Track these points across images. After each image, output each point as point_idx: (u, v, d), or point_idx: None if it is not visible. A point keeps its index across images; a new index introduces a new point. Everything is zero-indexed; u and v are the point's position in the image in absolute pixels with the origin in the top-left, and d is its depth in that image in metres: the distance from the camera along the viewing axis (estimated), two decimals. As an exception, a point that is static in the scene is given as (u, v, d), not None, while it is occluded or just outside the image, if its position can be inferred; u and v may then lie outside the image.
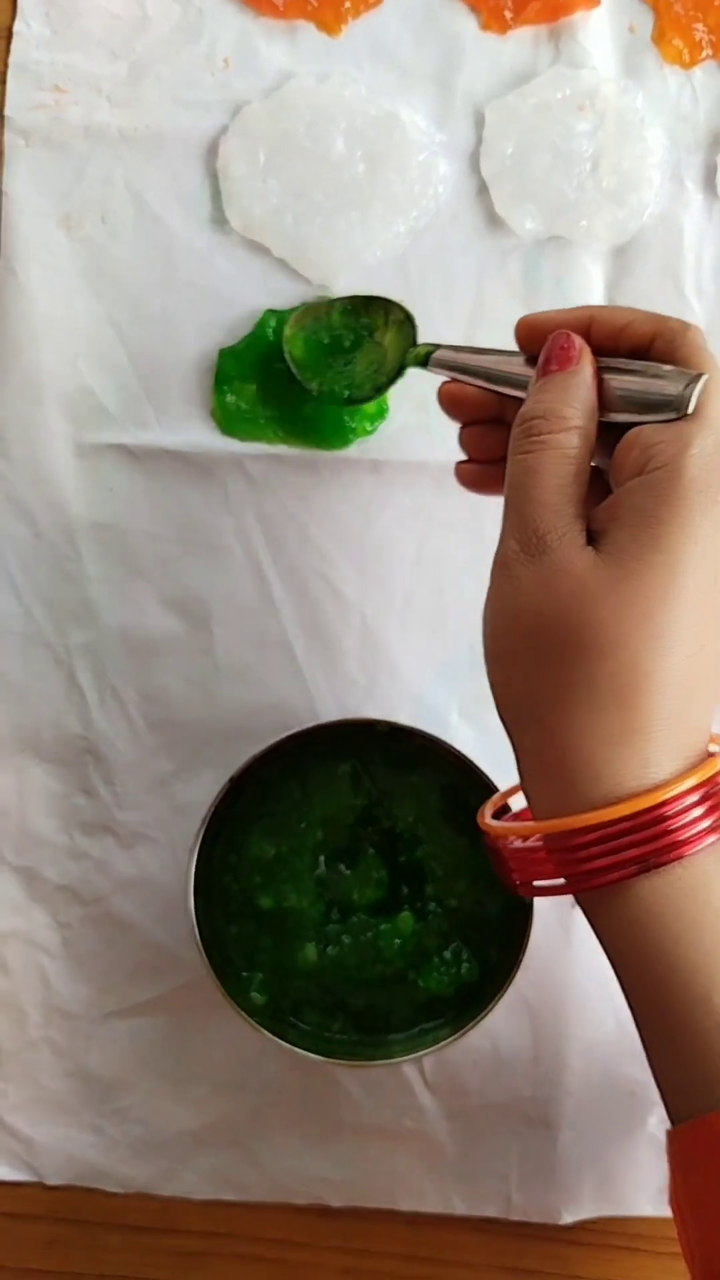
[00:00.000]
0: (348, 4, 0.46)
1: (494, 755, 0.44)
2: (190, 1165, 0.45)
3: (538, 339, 0.35)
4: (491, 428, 0.38)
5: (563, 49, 0.45)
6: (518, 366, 0.36)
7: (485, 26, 0.46)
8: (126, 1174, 0.45)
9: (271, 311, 0.45)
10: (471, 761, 0.40)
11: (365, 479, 0.45)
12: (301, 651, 0.45)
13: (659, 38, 0.46)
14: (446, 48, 0.45)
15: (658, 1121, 0.44)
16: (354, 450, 0.45)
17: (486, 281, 0.45)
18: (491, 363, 0.37)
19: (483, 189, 0.45)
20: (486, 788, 0.40)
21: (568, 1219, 0.44)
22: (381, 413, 0.45)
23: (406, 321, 0.42)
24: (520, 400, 0.35)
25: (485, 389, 0.37)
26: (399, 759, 0.41)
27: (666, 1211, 0.45)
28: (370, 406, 0.45)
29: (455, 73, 0.45)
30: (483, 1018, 0.39)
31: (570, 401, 0.33)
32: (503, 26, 0.46)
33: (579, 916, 0.45)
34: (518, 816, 0.37)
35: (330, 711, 0.45)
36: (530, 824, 0.33)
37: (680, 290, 0.45)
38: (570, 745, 0.31)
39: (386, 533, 0.45)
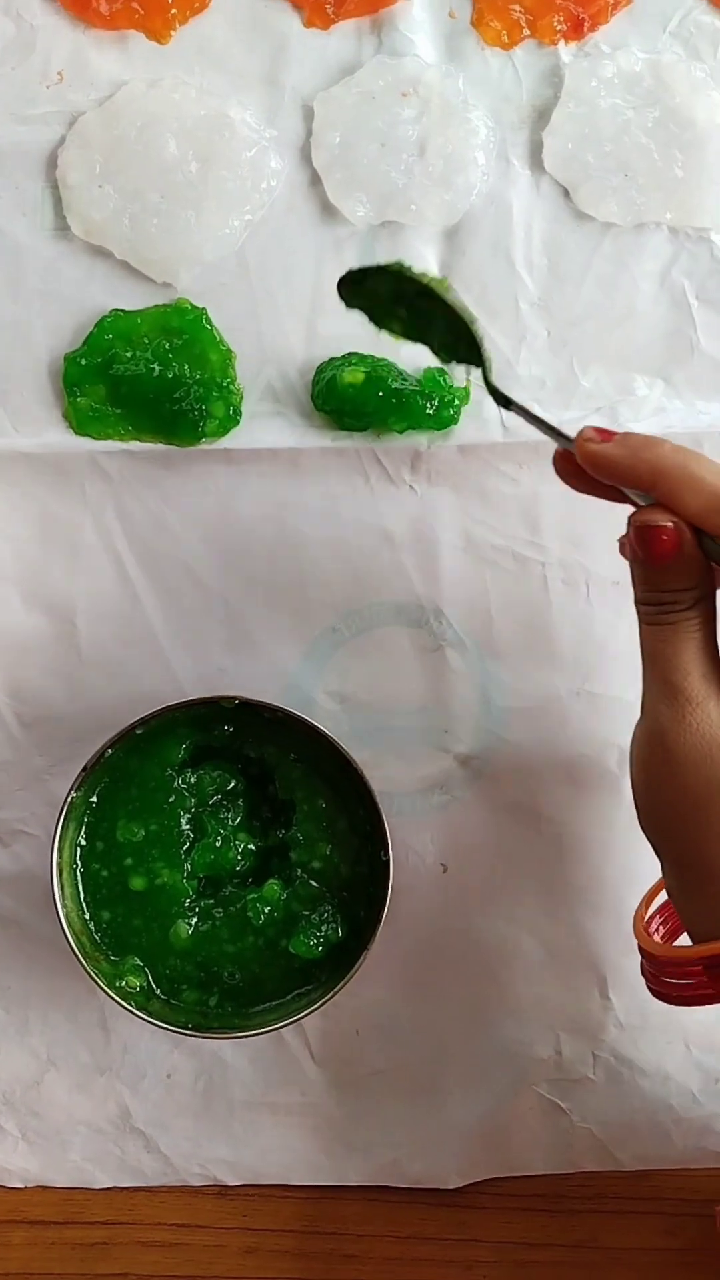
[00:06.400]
0: (174, 10, 0.50)
1: (357, 727, 0.48)
2: (89, 1155, 0.48)
3: (602, 472, 0.39)
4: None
5: (385, 39, 0.49)
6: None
7: (309, 23, 0.50)
8: (25, 1167, 0.48)
9: (111, 312, 0.48)
10: (321, 729, 0.44)
11: (219, 469, 0.49)
12: (167, 642, 0.49)
13: (478, 21, 0.50)
14: (273, 46, 0.49)
15: (542, 1080, 0.48)
16: (206, 441, 0.48)
17: (324, 270, 0.49)
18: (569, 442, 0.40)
19: (315, 180, 0.49)
20: (338, 753, 0.44)
21: (458, 1182, 0.47)
22: (235, 419, 0.48)
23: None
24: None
25: (559, 443, 0.40)
26: (256, 732, 0.45)
27: (560, 1169, 0.48)
28: (220, 410, 0.48)
29: (282, 70, 0.49)
30: (351, 976, 0.43)
31: (683, 583, 0.38)
32: (325, 22, 0.50)
33: (450, 881, 0.48)
34: (663, 919, 0.43)
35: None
36: (692, 949, 0.38)
37: (512, 266, 0.49)
38: None
39: (244, 520, 0.49)
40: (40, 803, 0.48)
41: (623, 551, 0.42)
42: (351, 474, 0.49)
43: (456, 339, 0.41)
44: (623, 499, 0.40)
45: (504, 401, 0.42)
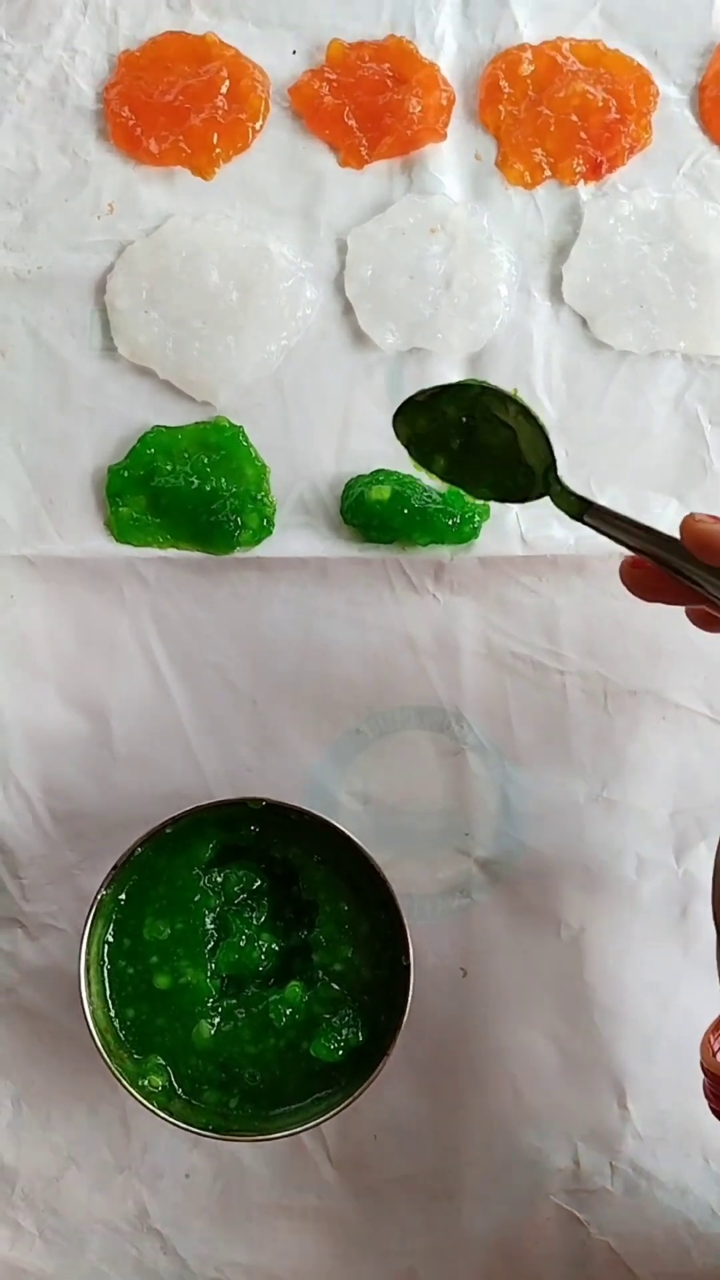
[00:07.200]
0: (218, 149, 0.53)
1: (378, 828, 0.49)
2: (105, 1255, 0.49)
3: (711, 552, 0.38)
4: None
5: (415, 178, 0.53)
6: (680, 552, 0.39)
7: (344, 163, 0.53)
8: (41, 1268, 0.48)
9: (153, 428, 0.51)
10: (346, 832, 0.45)
11: (251, 576, 0.51)
12: (196, 741, 0.50)
13: (502, 163, 0.53)
14: (310, 183, 0.53)
15: (560, 1190, 0.47)
16: (240, 550, 0.50)
17: (355, 392, 0.52)
18: (655, 542, 0.39)
19: (348, 309, 0.52)
20: (362, 857, 0.45)
21: (474, 1292, 0.47)
22: (268, 529, 0.51)
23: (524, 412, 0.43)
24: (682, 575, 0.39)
25: (646, 555, 0.40)
26: (282, 833, 0.46)
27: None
28: (254, 521, 0.50)
29: (318, 205, 0.53)
30: (372, 1080, 0.44)
31: None
32: (359, 162, 0.53)
33: (470, 985, 0.49)
34: None
35: (224, 796, 0.49)
36: None
37: (532, 391, 0.51)
38: None
39: (273, 624, 0.51)
40: (69, 897, 0.49)
41: (697, 621, 0.42)
42: (377, 583, 0.51)
43: (514, 470, 0.42)
44: (691, 601, 0.41)
45: (578, 511, 0.41)
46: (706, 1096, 0.41)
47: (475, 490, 0.44)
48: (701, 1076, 0.42)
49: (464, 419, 0.43)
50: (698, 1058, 0.42)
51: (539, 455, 0.42)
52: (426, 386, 0.44)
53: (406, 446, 0.44)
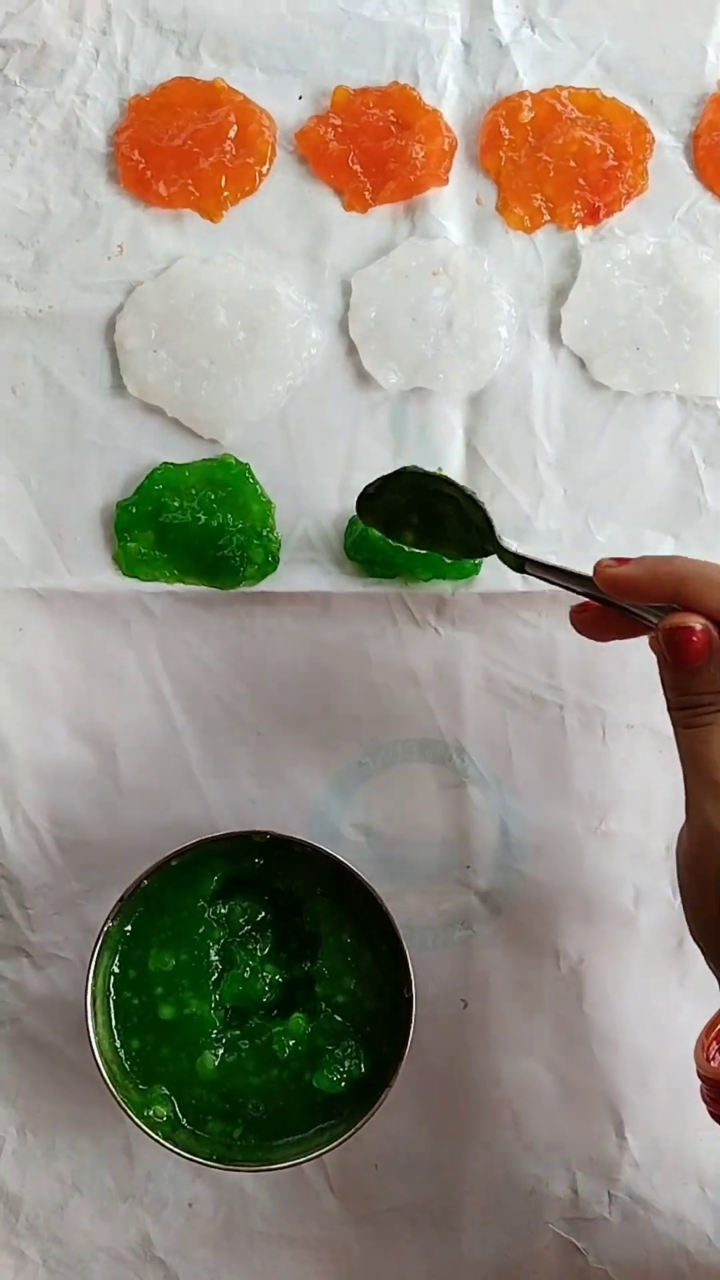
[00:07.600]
0: (226, 193, 0.54)
1: (380, 860, 0.50)
2: (107, 1284, 0.48)
3: (623, 593, 0.41)
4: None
5: (418, 222, 0.54)
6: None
7: (349, 206, 0.54)
8: (44, 1296, 0.48)
9: (161, 465, 0.52)
10: (348, 865, 0.46)
11: (257, 609, 0.52)
12: (201, 773, 0.51)
13: (503, 207, 0.54)
14: (315, 227, 0.54)
15: (559, 1219, 0.48)
16: (245, 584, 0.51)
17: (358, 431, 0.53)
18: (589, 585, 0.43)
19: (351, 350, 0.53)
20: (364, 889, 0.45)
21: (474, 1321, 0.47)
22: (273, 565, 0.51)
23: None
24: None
25: (588, 596, 0.43)
26: (286, 866, 0.47)
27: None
28: (260, 556, 0.51)
29: (324, 248, 0.54)
30: (374, 1112, 0.44)
31: (714, 684, 0.39)
32: (364, 206, 0.54)
33: (470, 1016, 0.50)
34: None
35: (228, 827, 0.50)
36: None
37: (531, 430, 0.52)
38: None
39: (278, 658, 0.52)
40: (74, 927, 0.50)
41: (653, 646, 0.43)
42: (380, 617, 0.52)
43: (468, 531, 0.46)
44: (640, 632, 0.43)
45: (518, 564, 0.46)
46: (704, 1100, 0.42)
47: (444, 552, 0.48)
48: (698, 1084, 0.42)
49: (412, 499, 0.47)
50: (693, 1086, 0.43)
51: (479, 520, 0.46)
52: (373, 479, 0.47)
53: (377, 529, 0.48)
